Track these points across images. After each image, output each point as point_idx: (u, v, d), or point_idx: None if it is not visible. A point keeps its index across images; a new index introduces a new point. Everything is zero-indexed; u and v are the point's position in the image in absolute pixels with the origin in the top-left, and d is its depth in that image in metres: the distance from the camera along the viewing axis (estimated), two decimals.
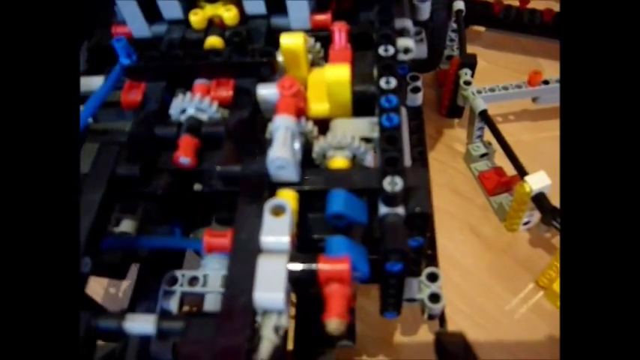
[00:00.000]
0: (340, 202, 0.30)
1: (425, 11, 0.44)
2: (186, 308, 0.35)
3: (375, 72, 0.34)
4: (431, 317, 0.39)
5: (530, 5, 0.68)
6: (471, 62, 0.59)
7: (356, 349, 0.48)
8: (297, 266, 0.27)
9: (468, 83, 0.58)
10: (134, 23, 0.41)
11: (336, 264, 0.27)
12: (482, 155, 0.60)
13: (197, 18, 0.40)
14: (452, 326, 0.48)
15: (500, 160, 0.57)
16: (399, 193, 0.28)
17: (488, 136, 0.58)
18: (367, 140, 0.33)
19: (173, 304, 0.34)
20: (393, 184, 0.29)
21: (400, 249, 0.27)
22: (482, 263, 0.53)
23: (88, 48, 0.43)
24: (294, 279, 0.27)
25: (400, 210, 0.29)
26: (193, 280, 0.34)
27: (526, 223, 0.54)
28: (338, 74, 0.33)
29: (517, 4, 0.68)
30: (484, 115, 0.56)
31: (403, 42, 0.38)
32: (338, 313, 0.26)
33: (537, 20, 0.67)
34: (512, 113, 0.65)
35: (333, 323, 0.26)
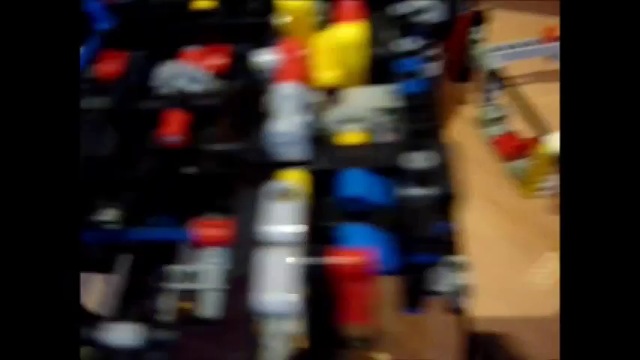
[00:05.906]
0: (357, 183, 0.25)
1: None
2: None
3: (392, 33, 0.30)
4: (456, 311, 0.35)
5: None
6: (481, 18, 0.54)
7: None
8: (312, 261, 0.23)
9: (478, 41, 0.54)
10: None
11: (358, 257, 0.22)
12: (495, 119, 0.56)
13: None
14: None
15: (514, 123, 0.53)
16: (431, 170, 0.24)
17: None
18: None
19: (167, 304, 0.30)
20: (422, 160, 0.24)
21: (432, 237, 0.23)
22: (500, 232, 0.50)
23: None
24: (308, 277, 0.23)
25: (428, 191, 0.25)
26: (189, 276, 0.31)
27: (543, 189, 0.50)
28: (351, 35, 0.28)
29: None
30: (496, 74, 0.52)
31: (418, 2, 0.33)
32: (361, 316, 0.22)
33: None
34: (526, 75, 0.61)
35: (356, 329, 0.22)
